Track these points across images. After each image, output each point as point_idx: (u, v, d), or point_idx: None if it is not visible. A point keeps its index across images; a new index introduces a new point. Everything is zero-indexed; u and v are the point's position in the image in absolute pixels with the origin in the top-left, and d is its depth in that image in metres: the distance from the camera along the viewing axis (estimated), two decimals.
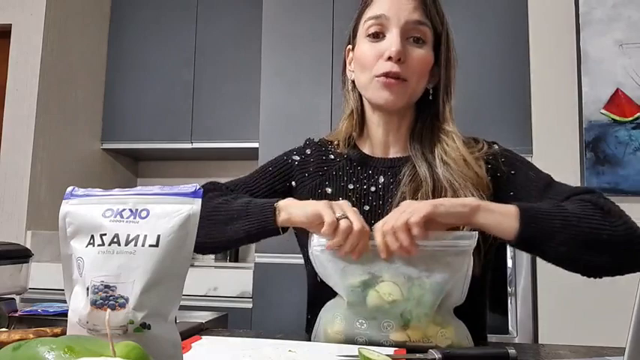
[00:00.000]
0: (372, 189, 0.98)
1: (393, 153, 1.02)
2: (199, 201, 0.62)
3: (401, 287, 0.72)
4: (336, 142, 1.05)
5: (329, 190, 0.99)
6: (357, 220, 0.77)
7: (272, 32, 2.38)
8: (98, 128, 2.84)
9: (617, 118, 2.03)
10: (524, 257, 2.03)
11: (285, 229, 0.88)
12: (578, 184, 2.03)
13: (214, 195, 0.97)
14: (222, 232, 0.90)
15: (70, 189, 0.65)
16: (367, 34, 0.94)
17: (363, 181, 0.99)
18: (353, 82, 1.02)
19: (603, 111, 2.04)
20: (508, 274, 2.03)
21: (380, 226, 0.77)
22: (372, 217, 0.95)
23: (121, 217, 0.60)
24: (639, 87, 2.03)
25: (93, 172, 2.79)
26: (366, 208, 0.97)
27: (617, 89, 2.04)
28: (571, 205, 0.83)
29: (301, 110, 2.27)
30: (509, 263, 2.04)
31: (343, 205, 0.81)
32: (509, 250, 2.04)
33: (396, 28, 0.91)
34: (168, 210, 0.61)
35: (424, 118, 0.99)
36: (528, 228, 0.79)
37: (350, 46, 1.02)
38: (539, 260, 2.02)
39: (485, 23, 2.23)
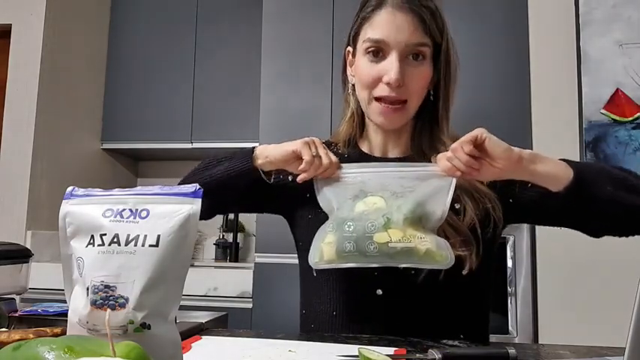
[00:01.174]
0: None
1: (392, 154, 1.03)
2: (199, 201, 0.62)
3: (386, 199, 0.81)
4: (337, 144, 1.07)
5: None
6: (326, 157, 0.88)
7: (272, 32, 2.38)
8: (98, 128, 2.84)
9: (617, 118, 2.03)
10: (524, 257, 2.03)
11: (268, 175, 0.96)
12: None
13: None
14: (207, 175, 1.00)
15: (70, 189, 0.65)
16: (366, 52, 0.95)
17: None
18: (353, 85, 1.02)
19: (603, 111, 2.04)
20: (508, 274, 2.03)
21: (441, 155, 0.85)
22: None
23: (121, 217, 0.60)
24: (639, 87, 2.03)
25: (93, 172, 2.79)
26: None
27: (617, 89, 2.04)
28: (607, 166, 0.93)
29: (301, 110, 2.27)
30: (509, 263, 2.04)
31: (316, 141, 0.92)
32: (509, 250, 2.04)
33: (395, 52, 0.92)
34: (168, 210, 0.61)
35: (424, 120, 1.01)
36: (581, 173, 0.85)
37: (350, 48, 1.02)
38: (539, 260, 2.02)
39: (486, 23, 2.23)
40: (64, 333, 0.71)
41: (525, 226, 2.04)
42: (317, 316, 1.02)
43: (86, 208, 0.62)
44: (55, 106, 2.54)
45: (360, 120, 1.04)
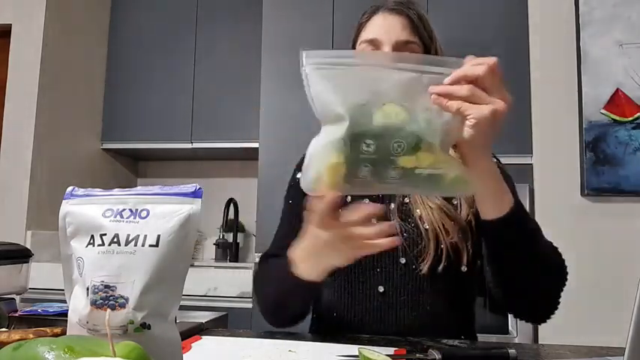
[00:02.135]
0: None
1: None
2: (199, 201, 0.62)
3: (409, 111, 0.66)
4: None
5: None
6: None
7: (272, 32, 2.38)
8: (98, 128, 2.84)
9: (617, 118, 2.03)
10: None
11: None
12: (578, 184, 2.04)
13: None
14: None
15: (70, 189, 0.65)
16: None
17: None
18: None
19: (603, 111, 2.04)
20: None
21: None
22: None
23: (121, 217, 0.60)
24: (639, 87, 2.03)
25: (93, 172, 2.79)
26: (366, 201, 0.99)
27: (617, 89, 2.04)
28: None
29: (301, 110, 2.26)
30: None
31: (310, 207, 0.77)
32: None
33: (388, 48, 0.97)
34: (168, 210, 0.61)
35: None
36: (519, 211, 0.81)
37: None
38: None
39: (486, 23, 2.23)
40: (64, 333, 0.71)
41: None
42: (322, 315, 1.04)
43: (86, 208, 0.62)
44: (55, 106, 2.54)
45: None
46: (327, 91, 0.68)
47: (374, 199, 1.00)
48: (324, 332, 1.01)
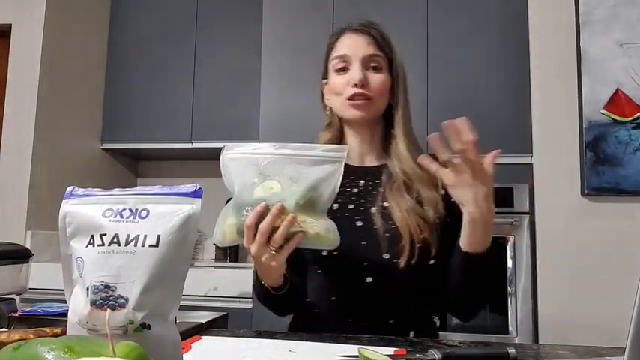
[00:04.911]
0: (355, 191, 1.14)
1: (369, 162, 1.19)
2: (199, 201, 0.62)
3: (282, 184, 0.86)
4: None
5: None
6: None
7: (272, 33, 2.38)
8: (98, 128, 2.84)
9: (617, 118, 2.03)
10: (524, 257, 2.03)
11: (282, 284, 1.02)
12: (578, 184, 2.04)
13: None
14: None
15: (70, 189, 0.65)
16: (335, 69, 1.16)
17: (345, 184, 1.11)
18: (330, 108, 1.21)
19: (603, 111, 2.04)
20: (508, 274, 2.03)
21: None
22: (355, 213, 1.10)
23: (121, 217, 0.60)
24: (639, 87, 2.03)
25: (93, 172, 2.79)
26: (351, 206, 1.11)
27: (617, 89, 2.04)
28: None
29: (301, 110, 2.27)
30: (509, 263, 2.04)
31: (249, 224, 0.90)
32: (509, 250, 2.04)
33: (357, 62, 1.13)
34: (168, 210, 0.61)
35: (390, 128, 1.17)
36: (489, 254, 1.01)
37: (325, 80, 1.22)
38: (539, 260, 2.02)
39: (486, 23, 2.23)
40: (64, 333, 0.71)
41: (525, 226, 2.04)
42: (315, 304, 1.12)
43: (86, 208, 0.62)
44: (55, 106, 2.54)
45: (339, 134, 1.20)
46: (231, 175, 0.90)
47: (356, 205, 1.12)
48: (314, 318, 1.11)
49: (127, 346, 0.46)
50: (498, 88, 2.18)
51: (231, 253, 2.83)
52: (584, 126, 2.04)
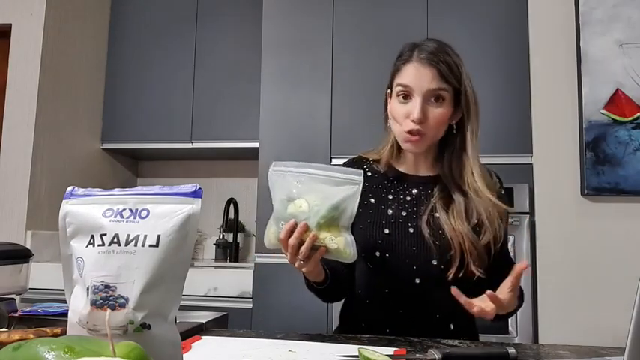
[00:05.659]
0: (408, 199, 1.20)
1: (423, 172, 1.23)
2: (199, 201, 0.62)
3: (309, 203, 0.97)
4: (372, 160, 1.28)
5: (372, 200, 1.21)
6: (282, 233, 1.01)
7: (272, 32, 2.38)
8: (98, 128, 2.84)
9: (617, 118, 2.03)
10: (524, 257, 2.03)
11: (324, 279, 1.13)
12: (578, 184, 2.04)
13: None
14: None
15: (70, 189, 0.65)
16: (397, 94, 1.17)
17: (399, 192, 1.21)
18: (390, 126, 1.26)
19: (603, 111, 2.04)
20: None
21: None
22: (408, 220, 1.17)
23: (121, 217, 0.60)
24: (639, 87, 2.03)
25: (93, 172, 2.79)
26: (404, 213, 1.17)
27: (617, 89, 2.04)
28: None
29: (301, 110, 2.27)
30: None
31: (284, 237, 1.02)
32: (509, 250, 2.04)
33: (418, 96, 1.13)
34: (168, 210, 0.61)
35: (450, 148, 1.20)
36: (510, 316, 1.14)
37: (389, 91, 1.23)
38: (539, 260, 2.02)
39: (486, 23, 2.23)
40: (64, 333, 0.71)
41: (525, 226, 2.04)
42: (367, 295, 1.20)
43: (86, 208, 0.62)
44: (55, 106, 2.54)
45: (397, 146, 1.24)
46: (272, 189, 1.03)
47: (409, 212, 1.18)
48: (366, 308, 1.20)
49: (127, 346, 0.46)
50: (498, 88, 2.18)
51: (231, 253, 2.83)
52: (584, 126, 2.04)
